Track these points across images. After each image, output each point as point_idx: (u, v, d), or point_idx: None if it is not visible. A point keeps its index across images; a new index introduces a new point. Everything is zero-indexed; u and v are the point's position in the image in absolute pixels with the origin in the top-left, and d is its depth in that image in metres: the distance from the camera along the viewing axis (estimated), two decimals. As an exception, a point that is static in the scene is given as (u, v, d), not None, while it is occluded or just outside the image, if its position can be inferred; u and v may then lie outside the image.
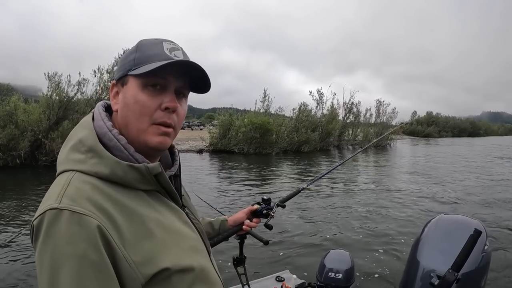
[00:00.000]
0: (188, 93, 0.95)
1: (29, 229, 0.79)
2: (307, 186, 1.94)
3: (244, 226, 1.61)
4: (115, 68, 17.66)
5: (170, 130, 0.89)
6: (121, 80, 0.90)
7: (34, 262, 0.74)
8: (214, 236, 1.57)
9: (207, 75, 0.92)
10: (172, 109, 0.88)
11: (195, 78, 0.92)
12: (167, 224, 0.87)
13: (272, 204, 1.71)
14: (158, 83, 0.87)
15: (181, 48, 0.92)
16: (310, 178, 12.87)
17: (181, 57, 0.90)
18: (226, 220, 1.60)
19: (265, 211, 1.66)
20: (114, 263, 0.74)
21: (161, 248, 0.82)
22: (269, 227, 1.64)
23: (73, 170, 0.81)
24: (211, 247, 1.56)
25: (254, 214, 1.67)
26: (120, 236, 0.76)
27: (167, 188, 0.92)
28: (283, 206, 1.78)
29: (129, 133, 0.88)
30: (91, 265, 0.71)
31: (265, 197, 1.72)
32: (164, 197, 0.92)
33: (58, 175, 0.84)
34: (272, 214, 1.66)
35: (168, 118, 0.88)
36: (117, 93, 0.91)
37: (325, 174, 2.14)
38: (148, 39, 0.92)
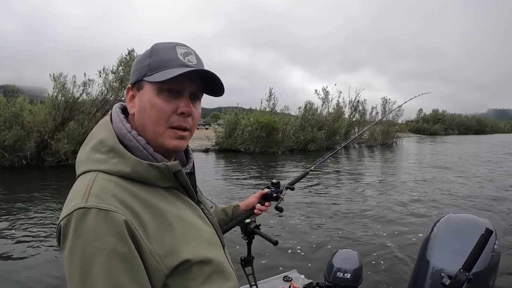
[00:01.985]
0: (202, 95, 0.98)
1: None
2: (314, 168, 2.02)
3: (255, 210, 1.67)
4: (120, 69, 17.78)
5: (186, 133, 0.94)
6: (137, 85, 0.93)
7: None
8: (228, 222, 1.62)
9: (221, 81, 0.94)
10: (188, 113, 0.91)
11: (209, 81, 0.95)
12: (185, 219, 0.92)
13: (281, 187, 1.74)
14: (174, 88, 0.90)
15: (194, 52, 0.95)
16: (316, 174, 12.88)
17: (195, 62, 0.93)
18: (238, 205, 1.66)
19: (275, 194, 1.70)
20: (140, 256, 0.78)
21: (182, 241, 0.86)
22: (279, 209, 1.68)
23: (95, 171, 0.84)
24: (226, 232, 1.57)
25: (264, 198, 1.71)
26: (145, 230, 0.80)
27: (184, 185, 0.96)
28: (292, 189, 1.81)
29: (147, 135, 0.91)
30: (121, 258, 0.74)
31: (274, 180, 1.75)
32: (181, 193, 0.97)
33: (79, 175, 0.87)
34: (282, 197, 1.70)
35: (184, 122, 0.92)
36: (133, 96, 0.95)
37: (331, 155, 2.22)
38: (161, 43, 0.94)
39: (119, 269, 0.74)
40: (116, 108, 0.97)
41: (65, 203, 0.81)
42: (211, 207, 1.57)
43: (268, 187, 1.74)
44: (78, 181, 0.86)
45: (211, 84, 0.95)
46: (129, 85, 0.96)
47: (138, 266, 0.77)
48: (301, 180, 1.99)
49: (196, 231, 0.93)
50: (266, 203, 1.69)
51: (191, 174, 1.06)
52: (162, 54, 0.91)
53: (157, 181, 0.88)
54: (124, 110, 0.98)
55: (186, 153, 1.10)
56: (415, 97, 2.98)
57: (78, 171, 0.88)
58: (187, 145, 1.09)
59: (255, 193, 1.73)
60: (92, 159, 0.87)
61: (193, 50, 0.95)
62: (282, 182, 1.77)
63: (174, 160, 0.97)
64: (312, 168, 2.02)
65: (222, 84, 0.95)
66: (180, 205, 0.93)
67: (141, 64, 0.92)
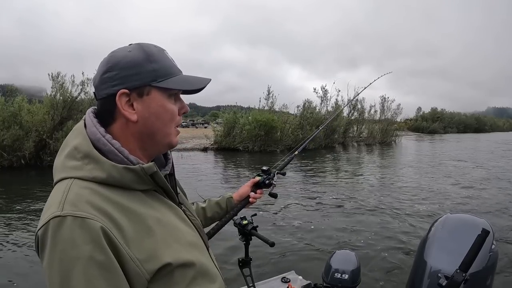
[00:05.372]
0: None
1: (34, 229, 0.81)
2: (298, 151, 2.08)
3: (250, 199, 1.67)
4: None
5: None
6: (138, 90, 0.90)
7: (34, 259, 0.74)
8: (223, 215, 1.62)
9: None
10: (187, 112, 1.00)
11: None
12: (165, 221, 0.91)
13: (272, 174, 1.76)
14: (176, 92, 0.96)
15: None
16: (314, 174, 12.88)
17: (176, 64, 0.98)
18: (232, 197, 1.66)
19: (267, 181, 1.72)
20: (120, 262, 0.77)
21: (162, 244, 0.85)
22: (273, 195, 1.71)
23: (71, 178, 0.83)
24: (223, 225, 1.62)
25: (257, 186, 1.72)
26: (123, 236, 0.79)
27: (163, 186, 0.95)
28: (283, 174, 1.84)
29: (155, 138, 0.95)
30: (99, 266, 0.74)
31: (264, 167, 1.77)
32: (161, 195, 0.96)
33: (56, 183, 0.86)
34: (274, 183, 1.73)
35: (181, 119, 0.99)
36: (129, 101, 0.90)
37: (314, 135, 2.30)
38: (150, 47, 0.93)
39: (98, 277, 0.73)
40: (89, 112, 0.94)
41: (42, 212, 0.81)
42: (204, 201, 1.61)
43: (259, 175, 1.74)
44: (54, 189, 0.85)
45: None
46: (124, 91, 0.88)
47: (117, 273, 0.76)
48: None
49: (177, 233, 0.92)
50: (259, 191, 1.71)
51: (171, 175, 1.06)
52: (162, 60, 0.93)
53: (134, 185, 0.87)
54: (98, 115, 0.94)
55: (165, 155, 1.09)
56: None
57: (55, 179, 0.87)
58: None
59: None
60: (68, 166, 0.85)
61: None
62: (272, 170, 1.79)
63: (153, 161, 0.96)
64: (296, 152, 2.07)
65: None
66: (160, 207, 0.92)
67: (142, 69, 0.89)
